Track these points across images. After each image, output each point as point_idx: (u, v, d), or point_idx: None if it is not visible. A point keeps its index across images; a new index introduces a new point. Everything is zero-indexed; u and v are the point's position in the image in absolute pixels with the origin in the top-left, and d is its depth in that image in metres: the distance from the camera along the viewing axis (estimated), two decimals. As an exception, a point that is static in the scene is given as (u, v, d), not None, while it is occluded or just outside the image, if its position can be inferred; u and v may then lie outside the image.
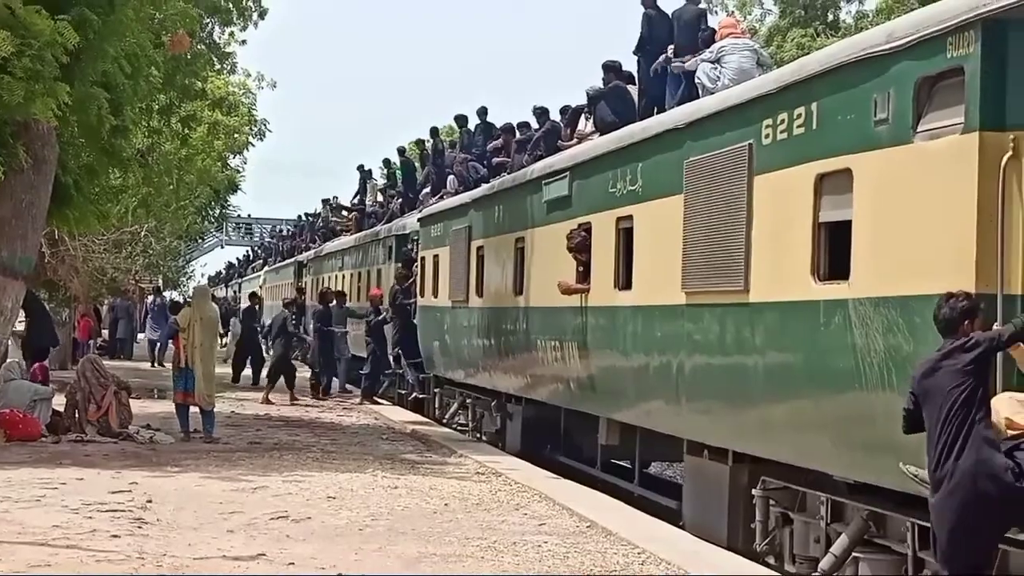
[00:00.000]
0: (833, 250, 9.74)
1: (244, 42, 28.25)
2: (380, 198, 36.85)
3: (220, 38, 27.10)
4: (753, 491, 11.15)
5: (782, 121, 10.48)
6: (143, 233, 35.65)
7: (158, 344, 35.91)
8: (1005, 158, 7.87)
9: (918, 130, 8.63)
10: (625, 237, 14.13)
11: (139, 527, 10.78)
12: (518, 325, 18.11)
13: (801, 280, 10.04)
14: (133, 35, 15.77)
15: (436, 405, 24.74)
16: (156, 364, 35.21)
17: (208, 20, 25.02)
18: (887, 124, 8.95)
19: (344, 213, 43.72)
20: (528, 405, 18.29)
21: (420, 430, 20.41)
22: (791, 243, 10.22)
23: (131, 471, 14.31)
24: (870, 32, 10.09)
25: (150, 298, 41.73)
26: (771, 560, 10.87)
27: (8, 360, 18.99)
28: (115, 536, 10.28)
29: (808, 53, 13.11)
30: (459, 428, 22.38)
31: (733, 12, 44.99)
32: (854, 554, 9.59)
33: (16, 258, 15.61)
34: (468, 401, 22.26)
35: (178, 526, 10.95)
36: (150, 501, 12.10)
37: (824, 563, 9.82)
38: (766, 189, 10.74)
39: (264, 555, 9.74)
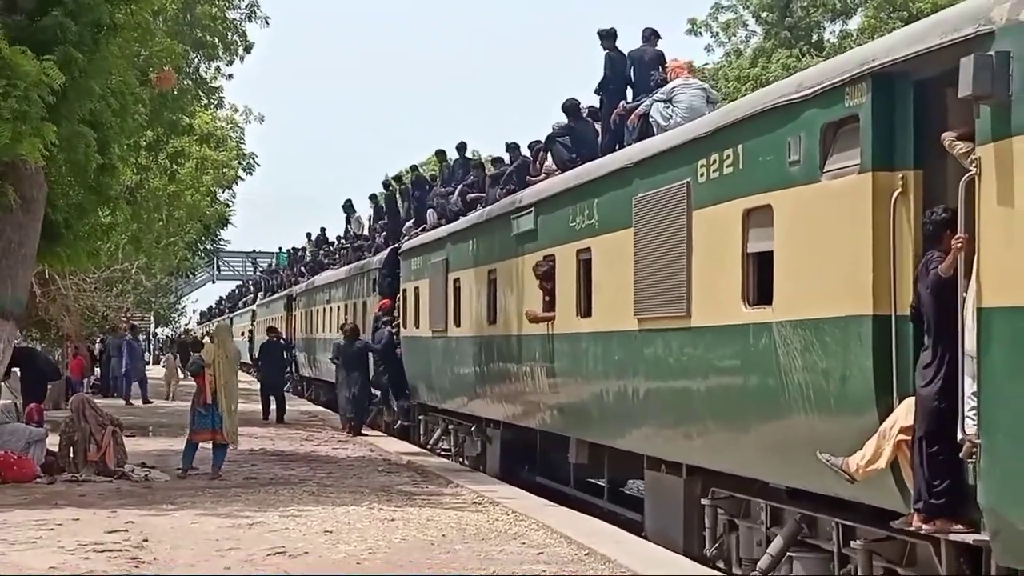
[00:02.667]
0: (759, 278, 10.72)
1: (231, 76, 28.44)
2: (366, 232, 37.62)
3: (206, 73, 27.71)
4: (702, 501, 12.20)
5: (714, 161, 11.52)
6: (134, 270, 35.83)
7: (124, 381, 36.82)
8: (895, 195, 8.80)
9: (824, 170, 9.61)
10: (585, 268, 15.12)
11: (135, 567, 10.81)
12: (493, 353, 19.15)
13: (733, 305, 11.05)
14: (119, 73, 15.93)
15: (421, 432, 25.83)
16: (132, 403, 35.44)
17: (194, 55, 25.65)
18: (799, 165, 9.96)
19: (328, 247, 44.89)
20: (506, 429, 19.30)
21: (416, 461, 20.63)
22: (725, 272, 11.20)
23: (127, 510, 14.32)
24: (785, 81, 11.08)
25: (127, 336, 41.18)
26: (720, 564, 11.71)
27: (3, 402, 19.17)
28: None
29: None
30: (442, 453, 23.28)
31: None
32: (789, 553, 10.50)
33: (7, 298, 15.78)
34: (450, 427, 23.34)
35: (175, 564, 10.98)
36: (146, 540, 12.14)
37: (762, 563, 10.77)
38: (703, 223, 11.76)
39: None
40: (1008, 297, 7.60)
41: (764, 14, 46.63)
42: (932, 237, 8.41)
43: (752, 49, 47.71)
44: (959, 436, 8.01)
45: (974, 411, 7.89)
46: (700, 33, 49.02)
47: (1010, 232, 7.60)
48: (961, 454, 8.04)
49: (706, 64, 49.48)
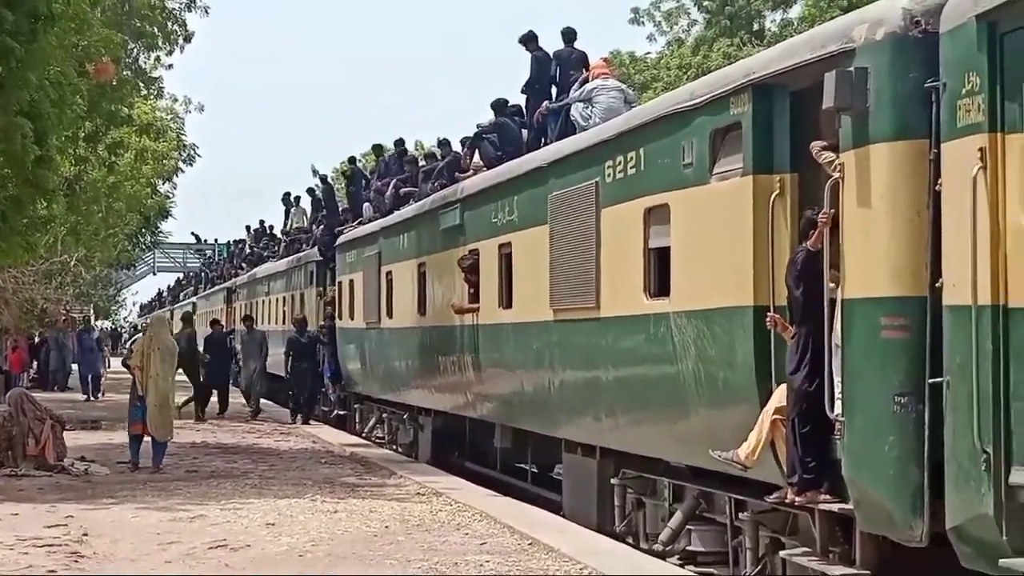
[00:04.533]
0: (659, 271, 11.77)
1: (171, 66, 29.17)
2: (305, 224, 38.23)
3: (145, 63, 28.50)
4: (612, 480, 13.21)
5: (620, 163, 12.57)
6: (72, 263, 36.06)
7: (90, 377, 36.33)
8: (773, 196, 9.78)
9: (713, 172, 10.63)
10: (506, 262, 16.19)
11: (75, 561, 10.81)
12: (424, 344, 20.15)
13: (636, 297, 12.09)
14: (57, 63, 15.99)
15: (356, 420, 26.99)
16: (92, 398, 35.16)
17: (133, 46, 26.26)
18: (692, 167, 10.97)
19: (267, 239, 45.43)
20: (436, 416, 20.36)
21: (359, 452, 20.80)
22: (629, 266, 12.26)
23: (66, 504, 14.33)
24: (680, 90, 12.40)
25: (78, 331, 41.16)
26: (629, 540, 12.66)
27: None
28: (51, 571, 10.36)
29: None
30: (376, 441, 24.22)
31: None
32: (688, 527, 11.53)
33: None
34: (384, 415, 24.46)
35: (115, 558, 10.97)
36: (86, 534, 12.14)
37: (663, 536, 11.72)
38: (610, 220, 12.78)
39: None
40: (865, 289, 8.64)
41: (706, 3, 47.19)
42: (804, 235, 9.44)
43: (694, 38, 48.34)
44: (830, 416, 9.04)
45: (840, 393, 8.93)
46: (642, 22, 49.63)
47: (868, 231, 8.63)
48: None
49: (648, 53, 50.26)
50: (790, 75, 9.67)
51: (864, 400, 8.63)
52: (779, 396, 9.63)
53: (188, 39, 27.38)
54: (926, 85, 8.23)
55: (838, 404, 8.93)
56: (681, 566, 11.17)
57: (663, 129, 11.64)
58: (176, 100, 38.86)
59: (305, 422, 27.23)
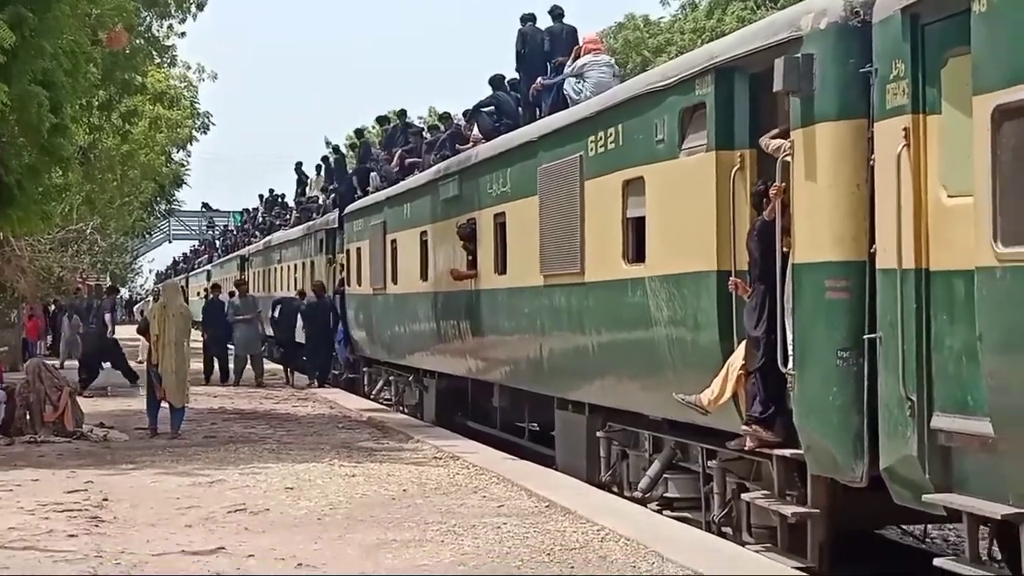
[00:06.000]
0: (636, 239, 12.97)
1: (183, 34, 28.89)
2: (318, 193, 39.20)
3: (159, 31, 28.72)
4: (597, 433, 14.39)
5: (601, 138, 13.77)
6: (88, 231, 37.07)
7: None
8: (734, 170, 10.91)
9: (682, 148, 11.79)
10: (501, 231, 17.49)
11: (96, 525, 11.03)
12: (426, 308, 21.50)
13: (616, 263, 13.29)
14: (70, 32, 16.17)
15: (365, 383, 28.48)
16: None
17: (146, 13, 26.60)
18: (664, 143, 12.15)
19: (278, 208, 46.50)
20: (440, 378, 21.66)
21: (376, 417, 21.10)
22: (609, 234, 13.46)
23: (86, 470, 14.59)
24: (654, 71, 13.77)
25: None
26: (614, 489, 13.78)
27: None
28: (72, 536, 10.55)
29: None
30: (384, 402, 25.52)
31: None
32: (664, 476, 12.71)
33: None
34: (391, 378, 25.94)
35: (135, 523, 11.18)
36: (106, 499, 12.38)
37: (642, 484, 12.87)
38: (593, 192, 13.99)
39: (223, 548, 9.98)
40: (812, 254, 9.77)
41: (720, -35, 47.54)
42: (757, 205, 10.56)
43: (708, 1, 48.73)
44: (783, 370, 10.16)
45: (792, 349, 10.07)
46: (666, -1, 50.47)
47: (813, 202, 9.75)
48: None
49: (661, 17, 50.81)
50: (749, 59, 10.80)
51: (812, 355, 9.76)
52: (740, 352, 10.77)
53: (201, 7, 27.06)
54: (861, 71, 9.30)
55: (791, 360, 10.03)
56: (659, 511, 12.30)
57: (639, 107, 12.82)
58: (189, 68, 38.93)
59: (320, 385, 28.61)
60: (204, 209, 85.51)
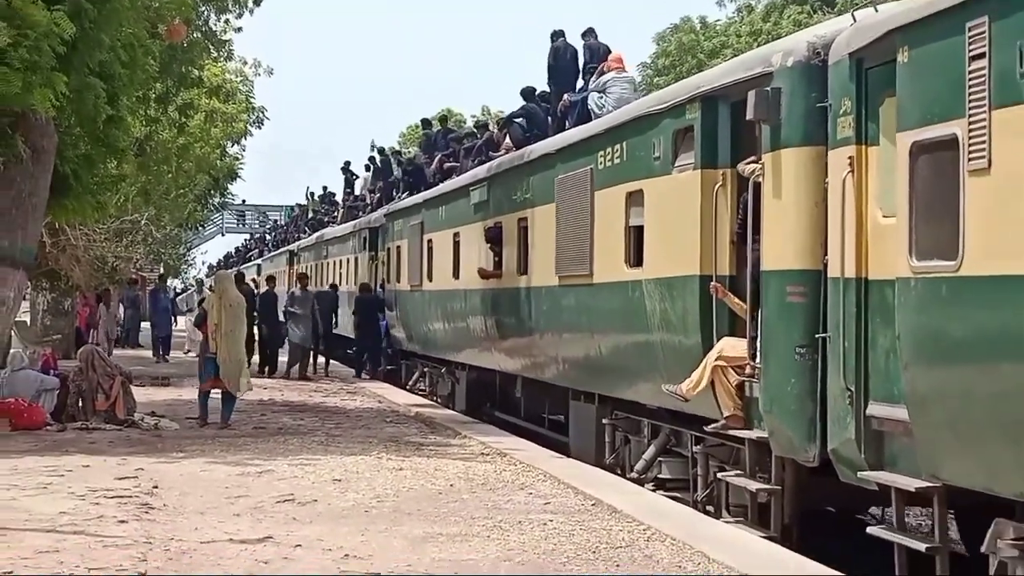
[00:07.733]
0: (636, 245, 14.81)
1: (240, 29, 29.42)
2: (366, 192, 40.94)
3: (216, 25, 28.99)
4: (603, 421, 16.17)
5: (609, 153, 15.72)
6: (143, 222, 37.49)
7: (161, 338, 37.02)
8: (717, 186, 12.72)
9: (675, 165, 13.61)
10: (524, 234, 19.54)
11: (146, 512, 11.21)
12: (457, 304, 23.61)
13: (619, 266, 15.20)
14: (129, 24, 16.52)
15: (402, 374, 30.84)
16: (162, 360, 35.64)
17: (203, 8, 27.08)
18: (660, 160, 13.97)
19: (326, 206, 48.07)
20: (471, 371, 23.81)
21: (424, 412, 21.58)
22: (614, 240, 15.37)
23: (136, 457, 14.88)
24: (652, 96, 15.85)
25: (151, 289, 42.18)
26: (618, 471, 15.39)
27: (12, 351, 19.81)
28: (122, 521, 10.70)
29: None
30: (419, 393, 27.43)
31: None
32: (659, 459, 14.49)
33: (17, 248, 16.42)
34: (426, 370, 28.38)
35: (184, 511, 11.36)
36: (156, 487, 12.61)
37: (638, 466, 14.76)
38: (601, 201, 15.90)
39: (271, 538, 10.13)
40: (776, 263, 11.47)
41: (778, -32, 48.96)
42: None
43: (764, 5, 50.34)
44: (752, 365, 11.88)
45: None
46: (725, 4, 52.20)
47: (778, 217, 11.45)
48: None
49: (718, 20, 51.97)
50: (730, 89, 12.61)
51: (774, 351, 11.51)
52: (720, 346, 12.44)
53: (258, 2, 27.01)
54: (819, 104, 10.99)
55: (757, 355, 11.75)
56: (653, 490, 13.99)
57: (640, 127, 14.74)
58: (245, 63, 39.59)
59: (372, 377, 30.44)
60: (261, 205, 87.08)
